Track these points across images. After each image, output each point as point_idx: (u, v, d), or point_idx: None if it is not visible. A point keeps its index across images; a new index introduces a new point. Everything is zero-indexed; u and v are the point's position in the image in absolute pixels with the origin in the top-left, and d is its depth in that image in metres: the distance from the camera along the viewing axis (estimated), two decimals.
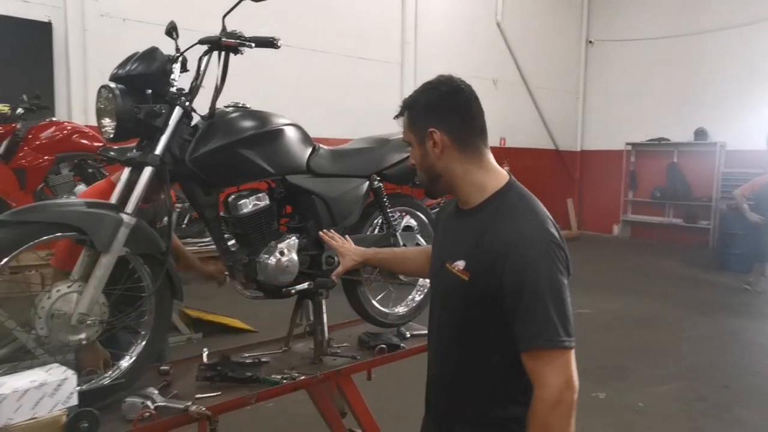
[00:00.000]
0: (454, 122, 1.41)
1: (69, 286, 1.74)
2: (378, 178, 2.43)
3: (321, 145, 2.36)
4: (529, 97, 11.59)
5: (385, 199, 2.50)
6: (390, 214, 2.56)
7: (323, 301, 2.32)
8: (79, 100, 6.86)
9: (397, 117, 1.51)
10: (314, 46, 8.66)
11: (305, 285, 2.22)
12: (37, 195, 4.31)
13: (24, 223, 1.66)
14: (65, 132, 4.35)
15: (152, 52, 1.86)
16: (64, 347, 1.73)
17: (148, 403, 1.77)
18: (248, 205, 2.09)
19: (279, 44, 1.92)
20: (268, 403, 3.57)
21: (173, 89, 1.90)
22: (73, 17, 6.83)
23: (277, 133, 2.11)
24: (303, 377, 2.12)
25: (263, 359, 2.28)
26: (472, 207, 1.44)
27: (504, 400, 1.40)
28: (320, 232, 2.06)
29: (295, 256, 2.17)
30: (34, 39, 6.56)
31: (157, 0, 7.30)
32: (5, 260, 1.62)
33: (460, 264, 1.38)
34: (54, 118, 4.48)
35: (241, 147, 2.00)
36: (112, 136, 1.83)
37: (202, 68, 1.95)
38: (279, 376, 2.10)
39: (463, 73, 1.49)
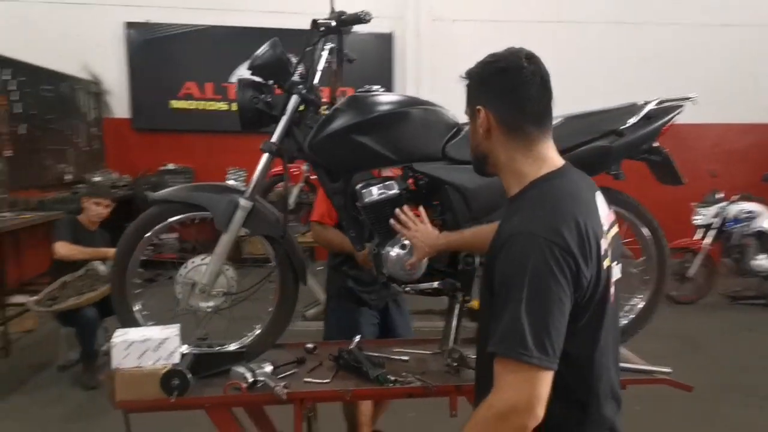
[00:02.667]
0: (504, 104, 1.27)
1: (202, 259, 1.99)
2: None
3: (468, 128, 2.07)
4: None
5: None
6: None
7: (456, 305, 2.05)
8: None
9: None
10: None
11: (433, 284, 2.01)
12: None
13: (168, 201, 1.98)
14: None
15: (271, 45, 1.94)
16: (195, 311, 2.00)
17: (248, 375, 1.89)
18: (373, 193, 1.99)
19: (368, 18, 1.78)
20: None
21: (295, 78, 1.96)
22: (410, 25, 7.61)
23: (399, 117, 1.95)
24: (416, 384, 1.93)
25: (405, 357, 2.17)
26: (511, 197, 1.31)
27: None
28: (391, 220, 1.84)
29: None
30: (378, 50, 7.58)
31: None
32: (151, 232, 1.97)
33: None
34: None
35: (355, 132, 1.92)
36: (241, 126, 2.00)
37: (316, 56, 1.96)
38: (394, 378, 1.96)
39: None
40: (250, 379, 1.88)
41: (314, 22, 1.92)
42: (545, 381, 1.07)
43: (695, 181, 3.36)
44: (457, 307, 2.06)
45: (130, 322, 1.99)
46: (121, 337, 1.81)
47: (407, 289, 2.02)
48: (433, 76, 7.62)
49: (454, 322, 2.05)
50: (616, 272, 1.29)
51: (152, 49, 7.45)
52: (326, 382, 1.96)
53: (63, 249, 3.95)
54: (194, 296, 1.96)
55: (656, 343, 2.79)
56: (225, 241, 1.94)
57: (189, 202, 1.96)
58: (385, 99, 1.99)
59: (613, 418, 1.25)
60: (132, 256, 1.97)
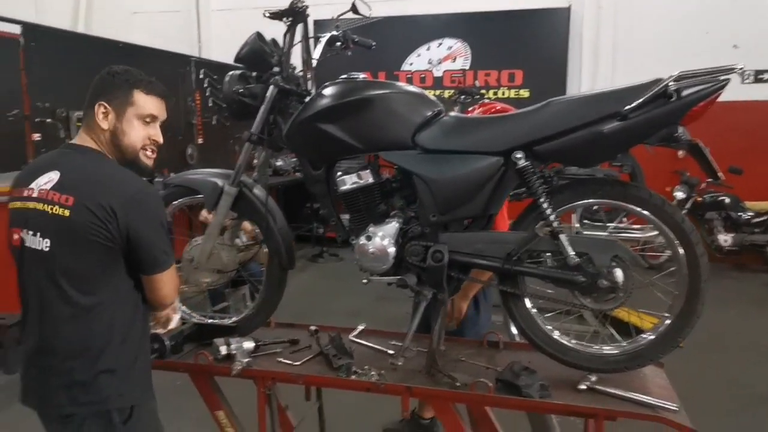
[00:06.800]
0: None
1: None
2: (521, 155, 1.75)
3: (451, 114, 1.91)
4: None
5: (539, 184, 1.77)
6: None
7: (423, 303, 1.91)
8: (587, 76, 7.00)
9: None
10: None
11: (393, 279, 1.91)
12: None
13: (172, 185, 2.20)
14: (491, 111, 4.70)
15: (251, 38, 2.01)
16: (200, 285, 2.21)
17: (223, 348, 2.04)
18: (347, 182, 1.97)
19: (301, 6, 1.75)
20: None
21: (276, 69, 2.01)
22: None
23: (362, 104, 1.87)
24: (371, 380, 1.87)
25: (391, 351, 2.10)
26: None
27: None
28: None
29: (385, 243, 1.90)
30: (553, 25, 7.08)
31: None
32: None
33: None
34: (486, 100, 4.89)
35: (319, 121, 1.90)
36: (229, 116, 2.13)
37: (285, 44, 1.98)
38: (355, 370, 1.93)
39: None
40: (224, 352, 2.04)
41: (269, 14, 1.96)
42: None
43: None
44: (424, 304, 1.91)
45: None
46: None
47: (371, 279, 1.96)
48: (614, 52, 6.87)
49: (416, 321, 1.92)
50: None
51: None
52: (295, 365, 2.02)
53: None
54: (192, 272, 2.17)
55: None
56: (215, 223, 2.10)
57: (188, 186, 2.16)
58: (352, 86, 1.93)
59: None
60: None
